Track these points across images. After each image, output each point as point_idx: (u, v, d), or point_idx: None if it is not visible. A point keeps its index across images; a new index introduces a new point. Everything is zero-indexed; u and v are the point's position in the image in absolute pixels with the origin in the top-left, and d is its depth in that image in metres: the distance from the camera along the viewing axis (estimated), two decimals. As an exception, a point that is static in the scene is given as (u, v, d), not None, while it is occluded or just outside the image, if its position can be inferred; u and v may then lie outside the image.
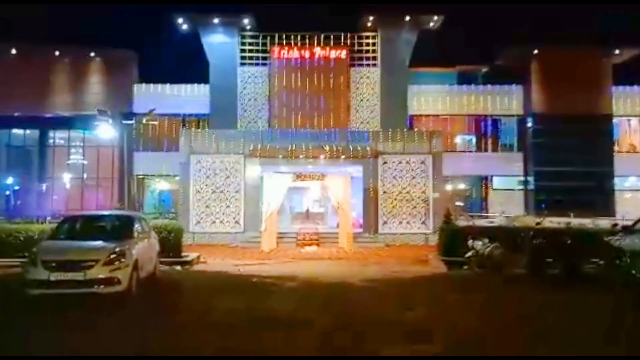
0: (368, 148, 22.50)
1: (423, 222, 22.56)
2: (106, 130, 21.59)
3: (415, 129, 26.01)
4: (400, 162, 22.75)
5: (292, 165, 21.94)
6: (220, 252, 18.32)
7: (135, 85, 28.67)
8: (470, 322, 7.54)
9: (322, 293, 10.13)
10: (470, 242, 13.46)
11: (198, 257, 15.60)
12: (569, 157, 27.13)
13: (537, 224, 14.43)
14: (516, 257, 12.37)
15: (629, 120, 28.77)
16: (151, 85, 28.65)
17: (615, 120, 28.24)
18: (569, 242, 12.24)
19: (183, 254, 15.15)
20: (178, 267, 13.95)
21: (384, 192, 22.62)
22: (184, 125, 27.56)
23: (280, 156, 22.14)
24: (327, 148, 22.21)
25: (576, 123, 26.98)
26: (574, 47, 27.43)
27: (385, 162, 22.74)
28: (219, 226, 22.63)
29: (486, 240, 12.97)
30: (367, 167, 22.55)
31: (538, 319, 7.83)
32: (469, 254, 13.44)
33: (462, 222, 24.89)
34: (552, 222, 21.23)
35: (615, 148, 28.17)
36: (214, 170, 22.73)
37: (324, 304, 8.92)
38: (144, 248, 10.59)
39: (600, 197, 27.29)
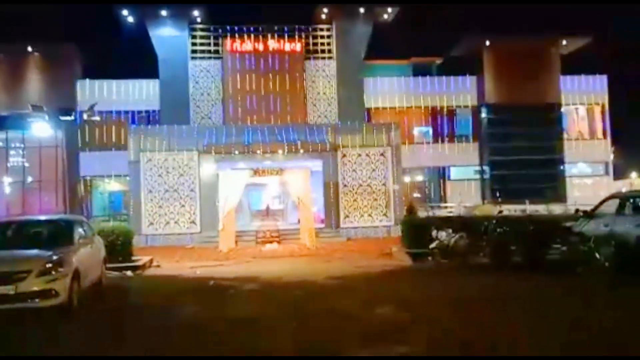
0: (327, 142, 21.83)
1: (384, 215, 22.12)
2: (42, 128, 19.91)
3: (374, 122, 25.53)
4: (359, 155, 22.20)
5: (249, 161, 20.98)
6: (175, 254, 17.20)
7: (78, 81, 26.88)
8: (443, 317, 6.96)
9: (284, 294, 9.34)
10: (434, 233, 13.03)
11: (150, 261, 14.47)
12: (521, 145, 27.50)
13: (499, 212, 14.16)
14: (480, 247, 12.02)
15: (576, 108, 29.36)
16: (96, 81, 26.97)
17: (563, 109, 28.75)
18: (531, 229, 11.97)
19: (134, 258, 13.99)
20: (129, 273, 12.80)
21: (345, 186, 22.03)
22: (133, 122, 26.08)
23: (237, 152, 21.14)
24: (285, 143, 21.40)
25: (527, 112, 27.36)
26: (523, 37, 27.72)
27: (344, 156, 22.14)
28: (173, 227, 21.42)
29: (450, 231, 12.56)
30: (326, 161, 21.87)
31: (509, 307, 7.39)
32: (433, 245, 13.00)
33: (422, 213, 24.90)
34: (509, 209, 21.36)
35: (565, 136, 28.69)
36: (166, 169, 21.47)
37: (286, 307, 8.15)
38: (86, 255, 9.47)
39: (552, 184, 27.79)
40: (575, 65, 28.37)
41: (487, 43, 27.92)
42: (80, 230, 9.81)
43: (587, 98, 29.10)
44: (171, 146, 21.53)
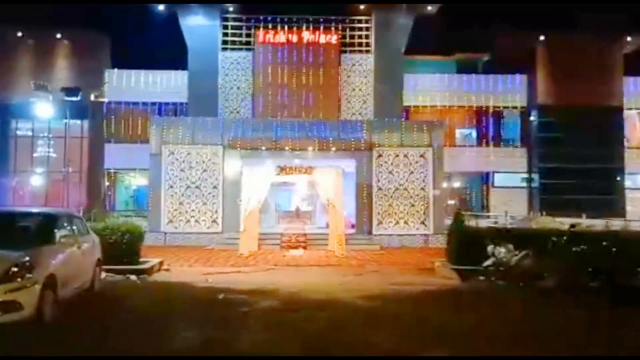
0: (361, 139, 19.81)
1: (422, 222, 19.93)
2: (45, 109, 18.62)
3: (417, 117, 23.29)
4: (397, 156, 20.09)
5: (277, 157, 19.13)
6: (191, 256, 15.51)
7: (106, 70, 25.69)
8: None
9: (305, 319, 7.38)
10: (490, 248, 10.84)
11: (160, 264, 12.78)
12: (576, 152, 24.70)
13: (572, 226, 11.81)
14: (548, 267, 9.78)
15: (639, 113, 26.35)
16: (124, 71, 25.68)
17: (625, 113, 25.83)
18: (614, 249, 9.66)
19: (142, 259, 12.35)
20: (132, 277, 11.11)
21: (379, 189, 19.96)
22: (159, 114, 24.70)
23: (264, 148, 19.37)
24: (316, 139, 19.49)
25: (584, 116, 24.58)
26: (582, 33, 24.97)
27: (380, 155, 20.07)
28: (194, 226, 19.80)
29: (510, 247, 10.36)
30: (360, 161, 19.87)
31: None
32: (488, 262, 10.82)
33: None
34: (563, 222, 18.83)
35: (625, 143, 25.76)
36: (189, 163, 19.88)
37: (306, 340, 6.20)
38: (71, 256, 7.78)
39: (610, 196, 24.92)
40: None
41: (541, 38, 25.29)
42: (65, 226, 8.14)
43: (652, 102, 26.11)
44: (195, 139, 19.94)
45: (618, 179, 25.09)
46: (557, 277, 9.65)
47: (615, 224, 19.92)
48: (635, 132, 26.34)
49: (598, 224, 18.46)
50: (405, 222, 19.92)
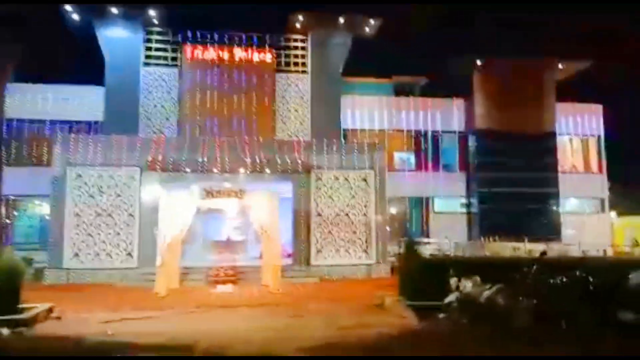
0: (299, 161, 17.94)
1: (364, 251, 18.18)
2: None
3: (355, 140, 21.81)
4: (337, 179, 18.36)
5: (204, 181, 16.75)
6: (96, 298, 12.70)
7: (7, 84, 22.26)
8: None
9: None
10: (453, 281, 9.17)
11: (49, 311, 10.00)
12: (513, 177, 24.30)
13: (543, 253, 10.45)
14: (523, 302, 8.22)
15: (570, 139, 26.54)
16: (29, 85, 22.37)
17: (557, 138, 25.88)
18: (592, 279, 8.29)
19: (25, 306, 9.55)
20: (3, 331, 8.35)
21: (318, 215, 18.05)
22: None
23: (188, 170, 16.96)
24: (248, 160, 17.39)
25: (520, 141, 24.34)
26: (517, 59, 24.92)
27: (319, 179, 18.26)
28: (104, 260, 16.82)
29: (478, 279, 8.74)
30: (297, 184, 17.93)
31: None
32: (451, 297, 9.14)
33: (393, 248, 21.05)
34: (516, 248, 17.87)
35: (559, 168, 25.71)
36: (99, 188, 17.01)
37: None
38: None
39: (546, 220, 24.61)
40: (570, 92, 25.75)
41: (478, 62, 24.96)
42: None
43: (581, 128, 26.39)
44: (108, 160, 17.16)
45: (553, 202, 24.86)
46: (529, 314, 8.11)
47: (556, 247, 19.38)
48: (566, 157, 26.45)
49: (538, 247, 17.69)
50: (346, 251, 18.08)
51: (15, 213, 22.52)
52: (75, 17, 22.35)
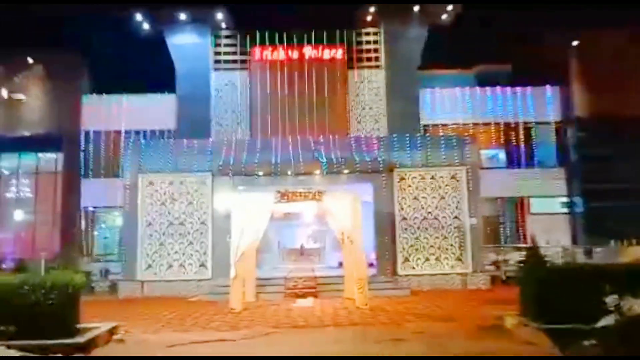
0: (379, 159, 15.95)
1: (458, 259, 15.80)
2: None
3: (442, 133, 19.42)
4: (423, 178, 16.19)
5: (277, 185, 15.22)
6: (166, 314, 11.41)
7: (84, 95, 22.22)
8: None
9: None
10: (610, 298, 6.78)
11: (112, 331, 8.70)
12: (625, 170, 20.77)
13: None
14: None
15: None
16: (104, 96, 22.18)
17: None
18: None
19: (84, 326, 8.32)
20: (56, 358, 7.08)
21: (403, 219, 15.96)
22: (144, 143, 21.03)
23: (261, 173, 15.53)
24: (324, 161, 15.66)
25: (630, 127, 20.79)
26: (619, 34, 21.45)
27: (402, 179, 16.17)
28: (177, 272, 15.75)
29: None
30: (378, 186, 15.96)
31: None
32: (607, 320, 6.74)
33: (492, 256, 18.40)
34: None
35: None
36: (171, 195, 16.01)
37: None
38: None
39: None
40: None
41: (574, 42, 21.77)
42: None
43: None
44: (179, 166, 16.14)
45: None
46: None
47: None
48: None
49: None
50: (437, 259, 15.80)
51: (94, 225, 22.30)
52: (146, 26, 21.97)
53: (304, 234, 20.06)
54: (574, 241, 21.12)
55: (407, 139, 16.52)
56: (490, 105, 22.60)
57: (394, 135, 17.02)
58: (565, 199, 22.15)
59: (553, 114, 22.53)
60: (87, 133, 22.03)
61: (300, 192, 12.19)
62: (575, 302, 7.53)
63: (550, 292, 7.91)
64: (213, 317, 10.80)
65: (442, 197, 16.08)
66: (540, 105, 22.55)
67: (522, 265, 9.41)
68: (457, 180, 16.13)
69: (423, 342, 7.96)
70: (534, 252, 9.15)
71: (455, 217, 15.99)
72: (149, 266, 15.73)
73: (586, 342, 7.13)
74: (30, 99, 21.96)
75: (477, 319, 9.61)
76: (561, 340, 7.33)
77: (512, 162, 22.44)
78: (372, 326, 9.49)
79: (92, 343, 7.82)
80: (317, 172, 15.57)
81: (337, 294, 13.70)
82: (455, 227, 15.90)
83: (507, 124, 22.57)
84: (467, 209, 15.94)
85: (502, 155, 22.94)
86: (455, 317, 10.04)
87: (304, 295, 13.58)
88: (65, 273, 8.13)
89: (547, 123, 22.56)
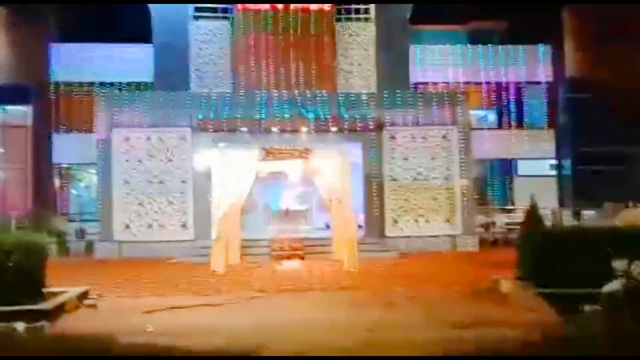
0: (369, 117, 15.22)
1: (447, 220, 15.43)
2: None
3: (432, 91, 18.62)
4: (413, 138, 15.56)
5: (261, 142, 14.45)
6: (144, 277, 10.80)
7: (53, 45, 20.73)
8: None
9: None
10: (619, 263, 6.34)
11: (82, 296, 8.06)
12: (616, 132, 20.44)
13: None
14: None
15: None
16: (75, 44, 20.70)
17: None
18: None
19: (51, 290, 7.67)
20: (20, 326, 6.41)
21: (393, 179, 15.41)
22: (119, 97, 19.82)
23: (244, 128, 14.68)
24: (311, 117, 14.87)
25: (624, 90, 20.32)
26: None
27: (392, 137, 15.52)
28: (158, 232, 15.04)
29: (668, 262, 5.88)
30: (367, 145, 15.29)
31: None
32: (614, 285, 6.33)
33: (480, 218, 18.12)
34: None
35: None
36: (148, 152, 15.10)
37: None
38: None
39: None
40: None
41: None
42: None
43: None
44: (156, 120, 15.15)
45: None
46: None
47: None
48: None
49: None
50: (427, 221, 15.40)
51: (69, 182, 21.31)
52: (119, -31, 20.33)
53: (291, 195, 19.42)
54: (562, 204, 20.96)
55: (398, 96, 15.74)
56: (481, 64, 21.84)
57: (385, 91, 16.17)
58: (554, 162, 21.88)
59: (545, 74, 21.92)
60: (57, 84, 20.70)
61: (286, 150, 11.45)
62: (578, 267, 7.14)
63: (550, 256, 7.50)
64: (194, 280, 10.23)
65: (433, 158, 15.54)
66: (532, 65, 21.86)
67: (519, 226, 8.97)
68: (449, 140, 15.56)
69: (416, 307, 7.53)
70: (532, 213, 8.68)
71: (446, 179, 15.51)
72: (127, 226, 14.99)
73: (588, 307, 6.80)
74: (-5, 47, 20.39)
75: (471, 283, 9.23)
76: (559, 304, 6.96)
77: (502, 122, 21.95)
78: (361, 290, 9.03)
79: (59, 309, 7.18)
80: (304, 129, 14.77)
81: (325, 256, 13.26)
82: (445, 189, 15.44)
83: (497, 84, 21.91)
84: (458, 170, 15.44)
85: (491, 116, 22.43)
86: (447, 281, 9.65)
87: (290, 257, 13.10)
88: (29, 232, 7.37)
89: (538, 83, 21.97)
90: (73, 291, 7.95)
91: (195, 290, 9.16)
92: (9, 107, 20.51)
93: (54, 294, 7.62)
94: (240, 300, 8.25)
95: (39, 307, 6.84)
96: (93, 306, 7.83)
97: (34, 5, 20.15)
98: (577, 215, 17.97)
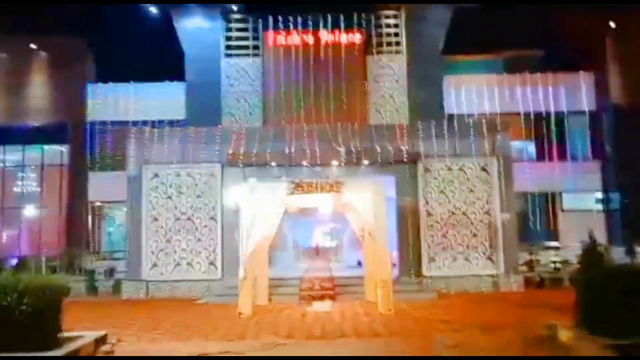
0: (402, 148, 14.59)
1: (489, 258, 14.39)
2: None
3: (470, 119, 17.88)
4: (450, 169, 14.78)
5: (291, 177, 13.97)
6: (167, 319, 10.26)
7: (89, 85, 21.28)
8: None
9: None
10: None
11: (100, 341, 7.56)
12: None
13: None
14: None
15: None
16: (110, 85, 21.21)
17: None
18: None
19: (71, 334, 7.21)
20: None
21: (429, 214, 14.58)
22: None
23: (274, 163, 14.29)
24: (342, 149, 14.37)
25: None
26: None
27: (427, 170, 14.79)
28: (185, 271, 14.60)
29: None
30: (401, 177, 14.61)
31: None
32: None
33: (524, 255, 16.93)
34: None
35: None
36: (177, 188, 14.85)
37: None
38: None
39: None
40: None
41: (611, 24, 20.11)
42: None
43: None
44: (185, 157, 14.97)
45: None
46: None
47: None
48: None
49: None
50: (466, 259, 14.40)
51: (102, 220, 21.38)
52: (154, 10, 20.91)
53: (321, 231, 18.83)
54: (610, 240, 19.49)
55: (433, 126, 15.10)
56: (519, 94, 21.07)
57: (418, 122, 15.57)
58: (600, 194, 20.57)
59: (587, 103, 20.91)
60: (93, 124, 21.10)
61: (316, 183, 10.92)
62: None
63: (612, 301, 6.54)
64: (219, 324, 9.61)
65: (471, 191, 14.67)
66: (572, 94, 20.97)
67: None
68: (488, 172, 14.69)
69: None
70: (591, 250, 7.75)
71: (486, 213, 14.56)
72: (155, 265, 14.62)
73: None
74: (35, 88, 21.07)
75: (522, 329, 8.25)
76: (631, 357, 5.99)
77: (542, 154, 20.90)
78: (398, 337, 8.19)
79: (74, 355, 6.67)
80: (335, 162, 14.27)
81: (357, 296, 12.45)
82: (485, 224, 14.48)
83: (537, 114, 21.03)
84: (498, 204, 14.50)
85: (531, 147, 21.43)
86: (494, 327, 8.69)
87: (320, 298, 12.34)
88: (42, 276, 6.99)
89: (581, 112, 20.96)
90: (90, 335, 7.46)
91: (218, 335, 8.53)
92: (47, 147, 20.98)
93: (71, 339, 7.14)
94: (265, 348, 7.56)
95: (50, 354, 6.35)
96: (110, 352, 7.31)
97: (71, 45, 20.79)
98: (630, 252, 16.57)
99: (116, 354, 7.29)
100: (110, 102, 20.94)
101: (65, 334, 7.18)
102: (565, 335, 7.27)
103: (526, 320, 9.12)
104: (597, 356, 4.71)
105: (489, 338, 7.89)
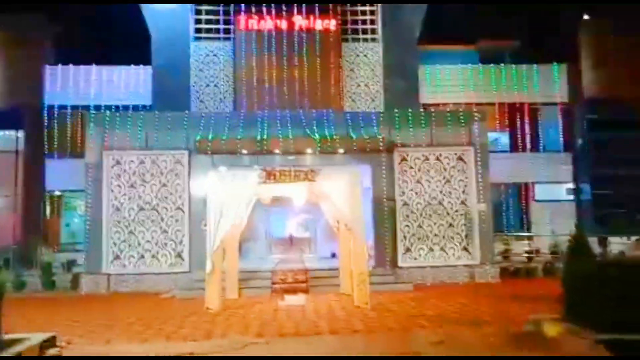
0: (379, 137, 14.04)
1: (465, 249, 14.06)
2: None
3: (447, 108, 17.45)
4: (426, 159, 14.34)
5: (263, 165, 13.22)
6: (126, 316, 9.44)
7: (47, 67, 19.88)
8: None
9: None
10: None
11: (48, 343, 6.73)
12: (636, 154, 19.23)
13: None
14: None
15: None
16: (70, 67, 19.85)
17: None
18: None
19: (14, 337, 6.37)
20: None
21: (404, 204, 14.12)
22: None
23: (245, 150, 13.52)
24: (317, 137, 13.71)
25: (645, 110, 19.21)
26: (634, 10, 19.78)
27: (404, 159, 14.31)
28: (151, 263, 13.72)
29: None
30: (377, 167, 14.07)
31: None
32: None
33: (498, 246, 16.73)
34: None
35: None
36: (141, 176, 13.92)
37: None
38: None
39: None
40: None
41: (585, 17, 20.02)
42: None
43: None
44: (150, 143, 14.03)
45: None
46: None
47: None
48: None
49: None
50: (442, 249, 14.03)
51: (61, 210, 20.10)
52: (119, -10, 19.64)
53: (294, 222, 18.16)
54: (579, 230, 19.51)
55: (410, 114, 14.59)
56: (493, 85, 20.81)
57: (396, 110, 15.03)
58: (571, 185, 20.58)
59: (560, 95, 20.83)
60: (51, 108, 19.75)
61: (289, 171, 10.23)
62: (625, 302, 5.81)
63: (601, 293, 6.16)
64: (184, 320, 8.86)
65: (448, 181, 14.27)
66: (546, 85, 20.81)
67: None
68: (465, 162, 14.32)
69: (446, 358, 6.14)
70: (578, 241, 7.37)
71: (462, 203, 14.21)
72: (117, 257, 13.69)
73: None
74: (-13, 68, 19.56)
75: (506, 323, 7.83)
76: (620, 352, 5.60)
77: (516, 145, 20.74)
78: (378, 333, 7.65)
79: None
80: (309, 150, 13.62)
81: (331, 289, 11.89)
82: (461, 214, 14.13)
83: (510, 105, 20.82)
84: (475, 194, 14.15)
85: (504, 138, 21.24)
86: (477, 321, 8.25)
87: (293, 291, 11.71)
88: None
89: (554, 104, 20.86)
90: (36, 337, 6.62)
91: (182, 334, 7.80)
92: (0, 132, 19.57)
93: (13, 342, 6.30)
94: (233, 348, 6.88)
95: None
96: (56, 356, 6.49)
97: (29, 23, 19.36)
98: (603, 243, 16.56)
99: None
100: (71, 85, 19.61)
101: (8, 336, 6.35)
102: (554, 330, 6.85)
103: (508, 312, 8.75)
104: (598, 356, 4.29)
105: (475, 333, 7.43)
